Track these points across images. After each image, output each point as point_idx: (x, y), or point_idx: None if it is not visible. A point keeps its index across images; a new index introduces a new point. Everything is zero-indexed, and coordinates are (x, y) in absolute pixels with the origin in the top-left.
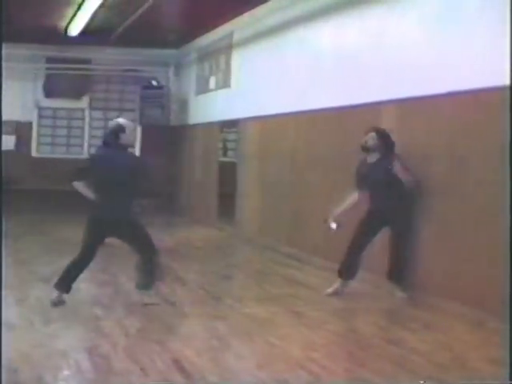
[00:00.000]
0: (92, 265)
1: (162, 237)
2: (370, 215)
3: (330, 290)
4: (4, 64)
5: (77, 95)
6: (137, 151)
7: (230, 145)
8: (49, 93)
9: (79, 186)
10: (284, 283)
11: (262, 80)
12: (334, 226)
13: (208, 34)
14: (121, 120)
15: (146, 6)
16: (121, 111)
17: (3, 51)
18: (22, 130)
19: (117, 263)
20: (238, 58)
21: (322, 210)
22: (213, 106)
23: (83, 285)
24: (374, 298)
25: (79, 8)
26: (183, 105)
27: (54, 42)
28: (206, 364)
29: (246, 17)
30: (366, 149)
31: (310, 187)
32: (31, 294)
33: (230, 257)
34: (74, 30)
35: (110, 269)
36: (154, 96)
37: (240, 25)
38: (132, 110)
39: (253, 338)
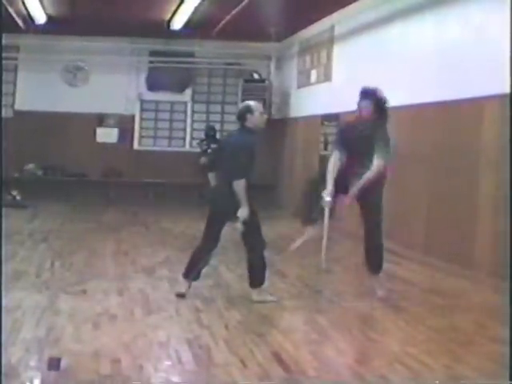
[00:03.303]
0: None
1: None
2: None
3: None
4: (108, 57)
5: (179, 88)
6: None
7: (330, 138)
8: (151, 86)
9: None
10: (383, 278)
11: (363, 74)
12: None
13: (309, 27)
14: (251, 102)
15: None
16: (223, 104)
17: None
18: (124, 123)
19: (217, 255)
20: (339, 52)
21: (423, 205)
22: (314, 100)
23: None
24: (475, 295)
25: (182, 1)
26: (284, 98)
27: (157, 35)
28: (306, 357)
29: (348, 10)
30: None
31: (411, 183)
32: (133, 284)
33: (329, 251)
34: (177, 23)
35: (211, 261)
36: (255, 89)
37: (341, 18)
38: (234, 103)
39: (352, 332)
